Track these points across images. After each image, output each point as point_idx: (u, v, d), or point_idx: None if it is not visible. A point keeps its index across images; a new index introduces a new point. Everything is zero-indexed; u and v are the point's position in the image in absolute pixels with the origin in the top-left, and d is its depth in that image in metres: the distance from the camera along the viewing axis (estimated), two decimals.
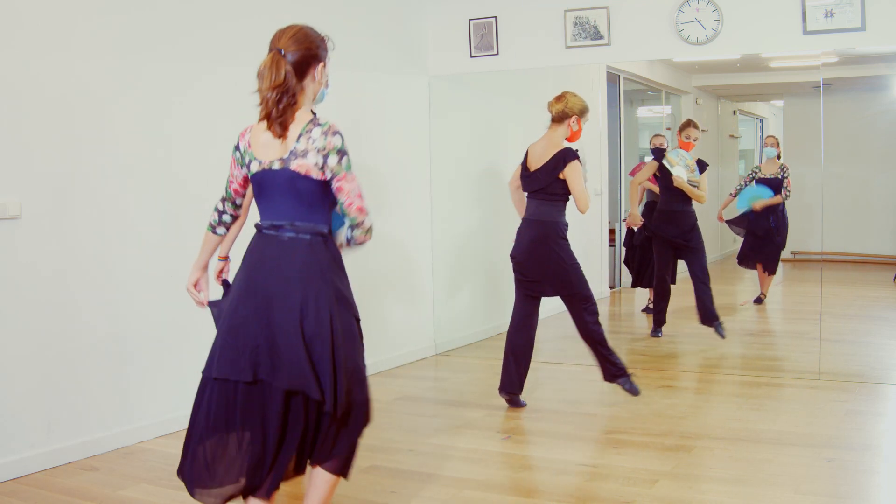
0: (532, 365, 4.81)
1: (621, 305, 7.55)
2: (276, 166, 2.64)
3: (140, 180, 4.31)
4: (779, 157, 6.51)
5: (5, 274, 3.78)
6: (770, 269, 6.81)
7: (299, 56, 2.64)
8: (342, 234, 2.79)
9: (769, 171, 6.39)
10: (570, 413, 4.70)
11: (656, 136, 6.71)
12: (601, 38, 5.64)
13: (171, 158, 4.46)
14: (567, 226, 4.68)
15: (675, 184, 6.03)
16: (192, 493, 2.67)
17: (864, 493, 3.49)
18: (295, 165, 2.62)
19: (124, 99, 4.23)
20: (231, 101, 4.78)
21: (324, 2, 5.40)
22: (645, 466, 3.77)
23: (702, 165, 6.09)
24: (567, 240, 4.65)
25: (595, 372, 4.81)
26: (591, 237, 7.14)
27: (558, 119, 4.64)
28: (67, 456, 3.97)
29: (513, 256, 4.74)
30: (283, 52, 2.63)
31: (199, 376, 3.07)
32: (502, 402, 4.82)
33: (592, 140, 6.81)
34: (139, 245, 4.31)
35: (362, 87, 5.71)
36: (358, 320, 2.78)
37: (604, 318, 6.43)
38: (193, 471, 2.64)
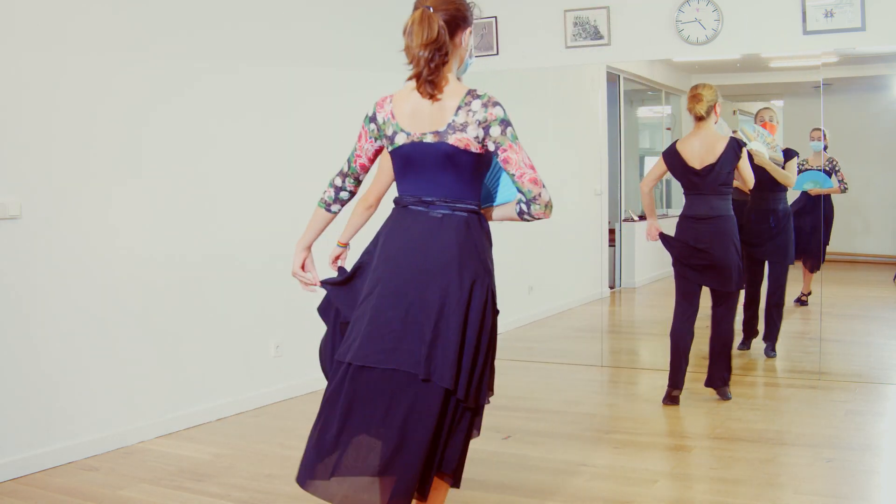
0: (532, 365, 4.80)
1: (621, 305, 7.53)
2: (430, 139, 2.46)
3: (140, 180, 4.31)
4: (826, 149, 6.24)
5: (5, 274, 3.78)
6: (810, 265, 6.42)
7: (448, 16, 2.48)
8: (506, 209, 2.61)
9: (816, 165, 6.23)
10: (570, 413, 4.70)
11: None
12: (601, 38, 5.64)
13: (172, 157, 4.46)
14: None
15: (756, 161, 5.27)
16: (302, 485, 2.44)
17: (864, 493, 3.48)
18: (453, 140, 2.44)
19: (125, 99, 4.23)
20: (232, 101, 4.79)
21: (324, 2, 5.39)
22: (645, 466, 3.77)
23: (788, 154, 5.56)
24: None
25: (595, 372, 4.80)
26: (591, 237, 7.13)
27: (707, 115, 4.62)
28: (67, 456, 3.97)
29: (699, 250, 4.61)
30: (431, 10, 2.45)
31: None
32: (502, 401, 4.76)
33: (592, 140, 6.81)
34: (139, 245, 4.31)
35: (362, 87, 5.70)
36: (497, 313, 2.57)
37: (603, 319, 6.45)
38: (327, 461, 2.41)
